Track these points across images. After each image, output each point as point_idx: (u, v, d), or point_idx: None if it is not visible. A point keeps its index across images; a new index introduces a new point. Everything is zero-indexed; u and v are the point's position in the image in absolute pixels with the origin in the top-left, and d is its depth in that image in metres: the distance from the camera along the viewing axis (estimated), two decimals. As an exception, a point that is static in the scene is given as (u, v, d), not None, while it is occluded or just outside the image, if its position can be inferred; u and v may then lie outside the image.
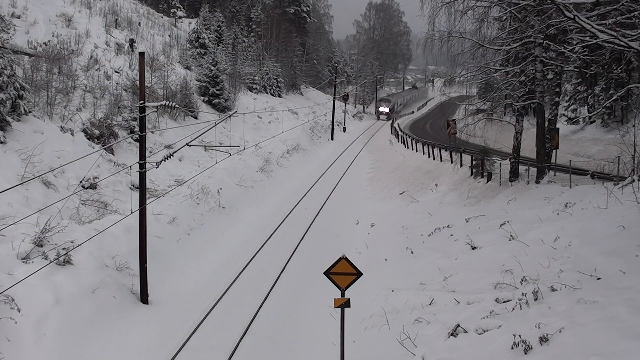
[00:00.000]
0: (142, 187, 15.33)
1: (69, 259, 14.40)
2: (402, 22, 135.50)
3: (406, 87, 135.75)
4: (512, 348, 8.62)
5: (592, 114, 35.87)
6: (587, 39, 14.72)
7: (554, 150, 21.79)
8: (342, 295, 10.91)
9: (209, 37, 50.98)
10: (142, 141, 14.94)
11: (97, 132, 24.03)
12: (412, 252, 17.58)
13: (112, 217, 17.93)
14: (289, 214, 26.58)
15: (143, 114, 14.82)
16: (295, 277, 18.33)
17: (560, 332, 8.25)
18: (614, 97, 26.23)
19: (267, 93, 58.46)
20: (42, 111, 22.59)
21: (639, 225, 11.36)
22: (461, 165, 27.57)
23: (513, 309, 10.01)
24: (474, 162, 25.05)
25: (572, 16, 11.43)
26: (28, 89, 21.25)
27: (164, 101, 16.94)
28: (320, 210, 27.75)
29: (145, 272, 15.34)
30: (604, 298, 8.80)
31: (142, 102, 14.68)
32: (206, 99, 40.65)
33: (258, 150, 35.48)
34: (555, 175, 20.77)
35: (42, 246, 14.48)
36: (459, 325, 10.19)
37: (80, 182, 19.58)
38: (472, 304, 11.28)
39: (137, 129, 23.03)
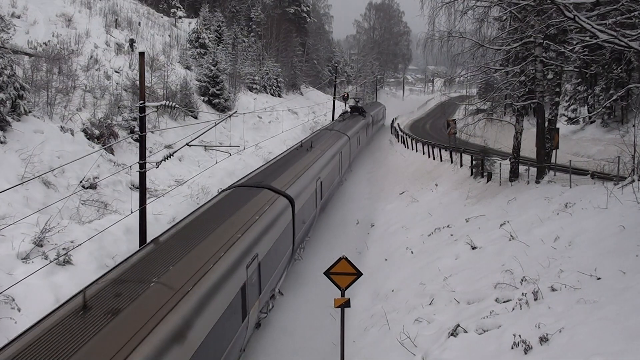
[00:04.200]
0: (142, 187, 15.32)
1: (69, 259, 14.40)
2: (402, 22, 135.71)
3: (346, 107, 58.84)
4: (512, 348, 8.61)
5: (592, 114, 35.88)
6: (587, 39, 14.71)
7: (554, 150, 21.77)
8: (342, 295, 10.92)
9: (209, 37, 51.01)
10: (142, 141, 14.94)
11: (97, 132, 24.05)
12: (412, 252, 17.57)
13: (112, 217, 17.93)
14: (289, 214, 26.51)
15: (143, 114, 14.82)
16: (294, 277, 18.32)
17: (560, 332, 8.25)
18: (614, 97, 26.20)
19: (267, 93, 58.46)
20: (42, 111, 22.59)
21: (639, 225, 11.35)
22: (461, 165, 27.56)
23: (513, 309, 10.00)
24: (474, 162, 25.03)
25: (572, 16, 11.42)
26: (28, 89, 21.27)
27: (164, 101, 16.94)
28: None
29: (145, 272, 15.15)
30: (604, 298, 8.79)
31: (142, 102, 14.68)
32: (206, 99, 40.67)
33: (258, 150, 35.48)
34: (555, 175, 20.75)
35: (42, 246, 14.49)
36: (459, 325, 10.18)
37: (80, 182, 19.59)
38: (472, 304, 11.27)
39: (137, 129, 23.04)
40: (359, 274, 10.97)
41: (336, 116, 56.10)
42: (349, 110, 50.07)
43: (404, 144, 45.67)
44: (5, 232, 14.07)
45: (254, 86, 54.84)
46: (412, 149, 41.03)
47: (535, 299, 9.85)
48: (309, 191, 19.30)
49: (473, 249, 15.05)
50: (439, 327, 10.83)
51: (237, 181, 17.86)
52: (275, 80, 60.86)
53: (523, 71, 20.50)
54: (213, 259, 9.82)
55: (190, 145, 17.52)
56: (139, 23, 48.96)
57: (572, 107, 41.54)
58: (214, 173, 26.44)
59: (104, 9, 45.90)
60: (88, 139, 23.24)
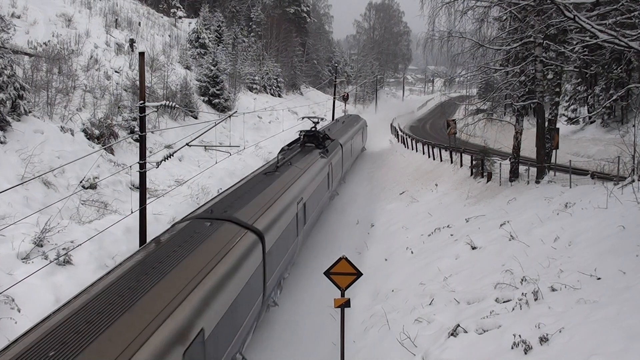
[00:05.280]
0: (142, 187, 15.31)
1: (69, 259, 14.40)
2: (402, 22, 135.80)
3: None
4: (512, 348, 8.61)
5: (592, 114, 35.91)
6: (587, 39, 14.71)
7: (554, 150, 21.79)
8: (342, 295, 10.92)
9: (209, 37, 51.02)
10: (142, 141, 14.93)
11: (97, 132, 24.05)
12: (412, 252, 17.57)
13: (112, 217, 17.93)
14: (289, 214, 26.44)
15: (143, 114, 14.82)
16: (295, 277, 18.32)
17: (560, 332, 8.24)
18: (614, 97, 26.26)
19: (267, 93, 58.50)
20: (42, 111, 22.60)
21: (639, 225, 11.35)
22: (461, 165, 27.56)
23: (513, 309, 10.00)
24: (474, 162, 25.05)
25: (572, 16, 11.42)
26: (28, 89, 21.28)
27: (164, 101, 16.94)
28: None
29: (145, 272, 15.06)
30: (604, 298, 8.79)
31: (142, 102, 14.68)
32: (206, 99, 40.69)
33: (258, 150, 35.49)
34: (555, 175, 20.76)
35: (42, 246, 14.49)
36: (459, 325, 10.17)
37: (80, 182, 19.59)
38: (472, 304, 11.26)
39: (137, 129, 23.04)
40: (359, 274, 10.97)
41: (336, 115, 53.85)
42: (301, 137, 26.68)
43: (404, 144, 45.70)
44: (5, 232, 14.07)
45: (254, 86, 54.87)
46: (412, 149, 41.05)
47: (535, 299, 9.85)
48: None
49: (473, 249, 15.05)
50: (439, 327, 10.83)
51: None
52: (275, 80, 60.90)
53: (523, 71, 20.50)
54: None
55: (190, 145, 17.51)
56: (139, 23, 48.96)
57: (572, 107, 41.57)
58: (214, 173, 26.44)
59: (104, 9, 45.91)
60: (88, 139, 23.24)
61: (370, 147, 50.98)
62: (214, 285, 9.77)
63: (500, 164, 22.81)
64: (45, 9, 38.06)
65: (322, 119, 31.80)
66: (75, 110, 24.79)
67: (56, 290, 13.19)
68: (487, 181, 22.68)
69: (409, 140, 44.33)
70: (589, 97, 38.82)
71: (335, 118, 47.47)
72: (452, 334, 10.08)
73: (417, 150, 39.53)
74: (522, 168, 21.65)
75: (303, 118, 33.37)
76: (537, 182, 19.77)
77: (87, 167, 19.75)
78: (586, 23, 11.63)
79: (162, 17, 58.53)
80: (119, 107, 27.92)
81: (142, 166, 14.97)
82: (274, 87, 60.53)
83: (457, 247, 15.72)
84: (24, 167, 18.03)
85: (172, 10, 62.21)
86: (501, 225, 15.71)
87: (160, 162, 15.41)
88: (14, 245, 13.89)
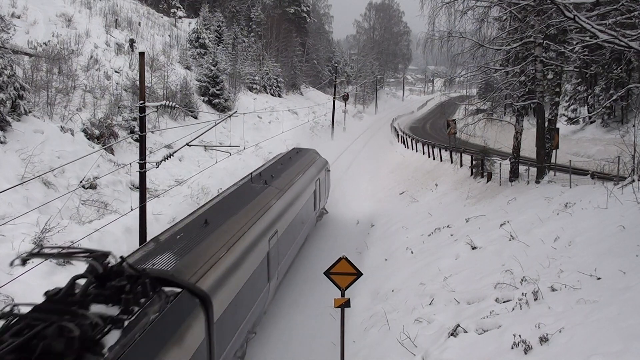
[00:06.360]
0: (142, 187, 15.32)
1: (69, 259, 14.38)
2: (402, 22, 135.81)
3: None
4: (512, 348, 8.61)
5: (592, 114, 35.93)
6: (587, 39, 14.72)
7: (554, 150, 21.80)
8: (342, 295, 10.92)
9: (209, 37, 51.01)
10: (142, 141, 14.94)
11: (97, 132, 24.05)
12: (412, 252, 17.57)
13: (112, 217, 17.91)
14: (289, 214, 26.41)
15: (143, 114, 14.83)
16: (295, 277, 18.33)
17: (560, 332, 8.25)
18: (614, 97, 26.27)
19: (267, 93, 58.47)
20: (42, 111, 22.60)
21: (639, 225, 11.35)
22: (461, 165, 27.57)
23: (513, 309, 10.00)
24: (474, 162, 25.06)
25: (572, 16, 11.41)
26: (28, 89, 21.28)
27: (164, 101, 16.96)
28: (320, 210, 27.62)
29: (145, 272, 15.06)
30: (604, 298, 8.79)
31: (142, 102, 14.69)
32: (206, 99, 40.68)
33: (258, 150, 35.48)
34: (555, 175, 20.77)
35: (42, 246, 14.46)
36: (459, 325, 10.17)
37: (80, 182, 19.59)
38: (472, 304, 11.26)
39: (137, 129, 23.04)
40: (359, 274, 10.97)
41: (336, 115, 54.24)
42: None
43: (404, 144, 45.73)
44: (6, 232, 14.07)
45: (254, 86, 54.85)
46: (412, 149, 41.07)
47: (535, 299, 9.85)
48: None
49: (473, 249, 15.05)
50: (439, 327, 10.83)
51: None
52: (275, 80, 60.85)
53: (523, 71, 20.51)
54: None
55: (190, 145, 17.51)
56: (139, 23, 48.94)
57: (572, 107, 41.58)
58: (214, 173, 26.43)
59: (104, 9, 45.89)
60: (88, 139, 23.24)
61: (370, 145, 48.44)
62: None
63: (500, 164, 22.82)
64: (45, 9, 38.04)
65: (117, 261, 7.56)
66: (75, 110, 24.78)
67: (56, 290, 13.17)
68: (487, 181, 22.69)
69: (409, 140, 44.36)
70: (589, 97, 38.84)
71: (250, 172, 19.03)
72: (452, 334, 10.08)
73: (417, 150, 39.54)
74: (522, 168, 21.66)
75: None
76: (537, 182, 19.77)
77: (87, 167, 19.76)
78: (586, 23, 11.63)
79: (162, 17, 58.48)
80: (119, 107, 27.92)
81: (142, 166, 14.98)
82: (274, 87, 60.49)
83: (457, 247, 15.72)
84: (24, 167, 18.02)
85: (172, 10, 62.16)
86: (501, 225, 15.72)
87: (160, 162, 15.42)
88: (14, 245, 13.88)
